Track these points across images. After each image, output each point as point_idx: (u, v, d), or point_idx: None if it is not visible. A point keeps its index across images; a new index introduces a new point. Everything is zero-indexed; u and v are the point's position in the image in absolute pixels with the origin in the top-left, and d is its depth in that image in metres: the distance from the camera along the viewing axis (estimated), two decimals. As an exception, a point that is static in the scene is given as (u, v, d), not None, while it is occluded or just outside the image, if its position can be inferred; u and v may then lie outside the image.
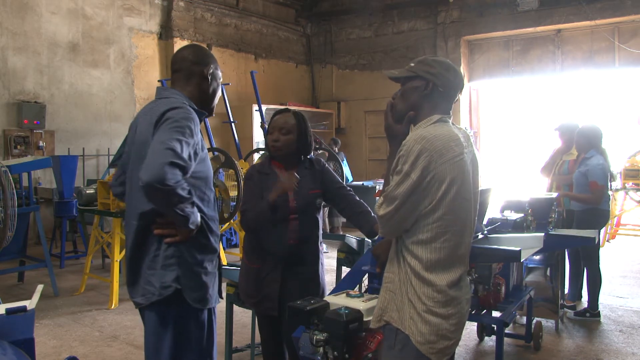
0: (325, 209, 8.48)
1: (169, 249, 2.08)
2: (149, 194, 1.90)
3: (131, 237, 2.15)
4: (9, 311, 1.75)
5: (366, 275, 3.12)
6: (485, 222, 3.08)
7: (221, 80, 2.33)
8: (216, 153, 6.52)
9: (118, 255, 5.30)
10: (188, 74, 2.21)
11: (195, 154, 2.04)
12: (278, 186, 2.59)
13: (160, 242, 2.08)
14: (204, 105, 2.24)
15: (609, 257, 7.02)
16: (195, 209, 2.04)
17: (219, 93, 2.32)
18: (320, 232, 2.81)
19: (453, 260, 1.84)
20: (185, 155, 1.93)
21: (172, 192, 1.87)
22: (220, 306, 4.21)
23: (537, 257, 4.39)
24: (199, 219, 2.07)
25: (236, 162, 6.21)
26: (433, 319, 1.80)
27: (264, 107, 8.33)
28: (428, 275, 1.81)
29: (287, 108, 2.85)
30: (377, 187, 8.69)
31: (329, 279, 5.67)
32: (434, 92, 1.90)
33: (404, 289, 1.85)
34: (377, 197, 1.98)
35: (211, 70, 2.24)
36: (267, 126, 2.79)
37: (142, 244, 2.12)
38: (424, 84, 1.90)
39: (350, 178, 9.46)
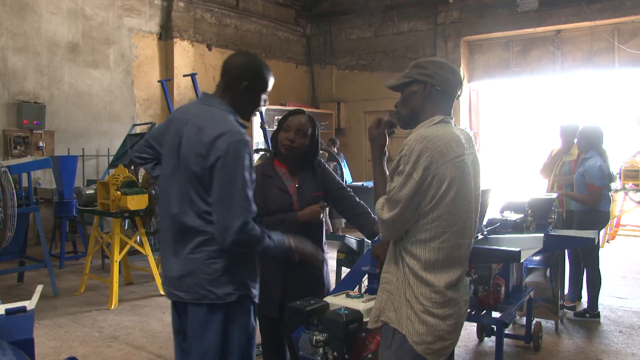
0: (326, 209, 8.47)
1: (218, 260, 2.06)
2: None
3: (169, 229, 2.15)
4: (8, 311, 1.75)
5: (366, 276, 3.13)
6: (485, 222, 3.07)
7: (268, 88, 2.25)
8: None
9: (118, 256, 5.29)
10: (231, 82, 2.16)
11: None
12: (307, 213, 2.65)
13: (204, 236, 2.05)
14: (242, 116, 2.22)
15: (608, 258, 7.01)
16: (269, 239, 2.09)
17: (263, 101, 2.27)
18: (324, 233, 2.82)
19: (452, 261, 1.84)
20: (250, 197, 2.01)
21: (253, 245, 2.06)
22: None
23: (537, 258, 4.38)
24: (282, 241, 2.15)
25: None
26: (430, 319, 1.80)
27: (263, 107, 8.32)
28: (426, 276, 1.81)
29: (301, 110, 2.81)
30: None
31: (328, 280, 5.70)
32: (433, 93, 1.90)
33: (402, 289, 1.85)
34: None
35: (256, 79, 2.18)
36: (279, 123, 2.74)
37: (181, 238, 2.11)
38: (422, 86, 1.91)
39: (350, 180, 9.44)
